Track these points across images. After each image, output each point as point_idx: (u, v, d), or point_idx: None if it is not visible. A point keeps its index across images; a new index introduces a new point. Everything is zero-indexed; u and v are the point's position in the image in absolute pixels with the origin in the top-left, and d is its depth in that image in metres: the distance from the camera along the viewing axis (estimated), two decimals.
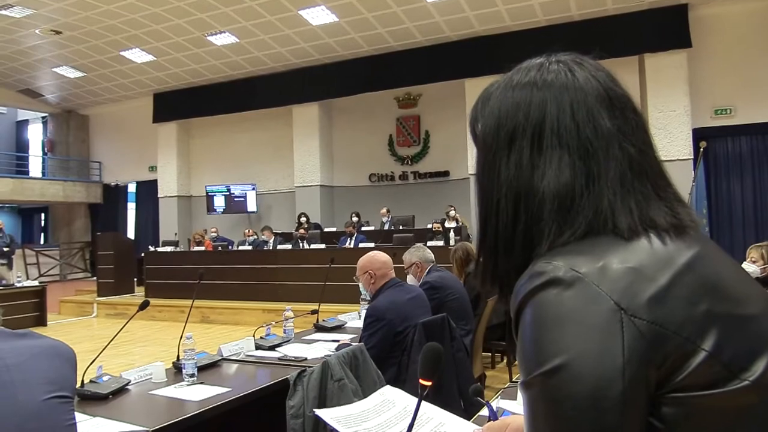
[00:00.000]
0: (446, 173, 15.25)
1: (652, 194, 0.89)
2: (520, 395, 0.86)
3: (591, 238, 0.86)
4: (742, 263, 4.86)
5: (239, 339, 4.25)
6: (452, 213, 12.68)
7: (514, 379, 4.02)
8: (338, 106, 16.54)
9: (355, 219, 13.62)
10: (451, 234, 11.10)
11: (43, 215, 22.69)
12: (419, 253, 5.27)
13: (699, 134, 12.20)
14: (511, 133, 0.93)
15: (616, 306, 0.78)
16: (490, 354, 6.85)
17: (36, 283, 12.81)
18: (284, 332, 4.62)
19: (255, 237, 13.91)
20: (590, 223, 0.86)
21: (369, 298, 4.41)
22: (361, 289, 4.49)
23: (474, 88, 13.42)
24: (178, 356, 3.69)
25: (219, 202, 17.59)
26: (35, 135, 23.39)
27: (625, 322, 0.77)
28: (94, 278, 15.69)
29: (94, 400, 3.03)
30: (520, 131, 0.92)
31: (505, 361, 6.87)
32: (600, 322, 0.77)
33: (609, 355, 0.76)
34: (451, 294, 4.97)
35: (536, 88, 0.93)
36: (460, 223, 12.59)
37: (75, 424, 1.71)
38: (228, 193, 17.50)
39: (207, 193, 17.65)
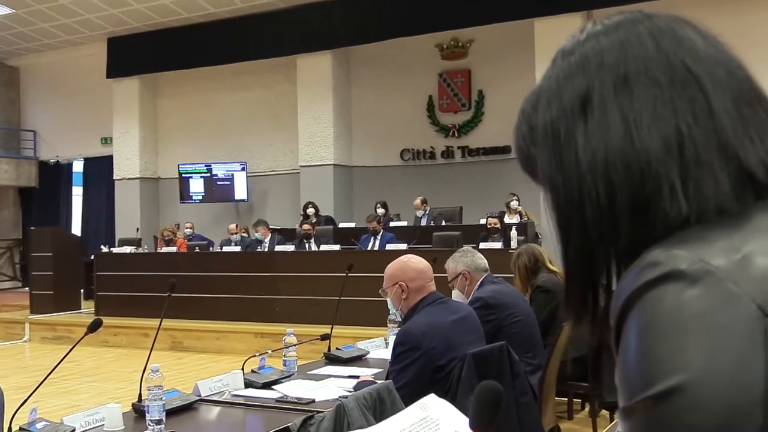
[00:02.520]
0: (506, 149, 15.13)
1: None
2: None
3: (723, 212, 0.86)
4: None
5: (223, 373, 4.28)
6: (514, 204, 12.61)
7: None
8: (359, 57, 16.54)
9: (381, 211, 13.61)
10: (513, 233, 11.05)
11: None
12: (468, 258, 5.25)
13: None
14: (584, 95, 0.95)
15: (759, 311, 0.77)
16: (566, 399, 6.81)
17: None
18: (284, 364, 4.64)
19: (245, 234, 13.98)
20: (732, 175, 0.87)
21: (400, 319, 4.41)
22: (389, 307, 4.49)
23: (546, 31, 13.33)
24: (139, 396, 3.72)
25: (196, 186, 17.71)
26: None
27: None
28: (26, 289, 15.87)
29: None
30: (595, 86, 0.94)
31: (587, 409, 6.83)
32: (736, 331, 0.76)
33: (746, 377, 0.75)
34: (512, 315, 4.96)
35: (603, 35, 0.97)
36: (525, 218, 12.52)
37: None
38: (209, 174, 17.61)
39: (180, 174, 17.78)
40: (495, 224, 11.57)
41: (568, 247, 0.97)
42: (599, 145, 0.92)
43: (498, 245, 10.71)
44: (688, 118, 0.89)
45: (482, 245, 10.47)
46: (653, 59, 0.92)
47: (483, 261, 5.28)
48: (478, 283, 5.17)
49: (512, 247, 10.18)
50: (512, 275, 6.21)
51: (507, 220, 12.20)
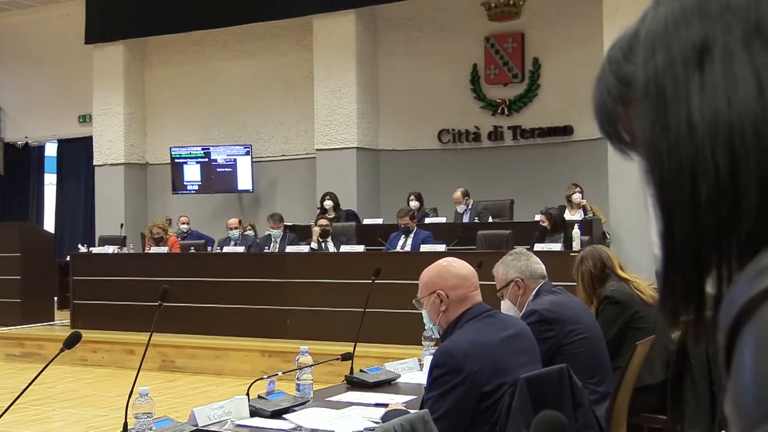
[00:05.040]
0: (567, 130, 15.15)
1: None
2: None
3: None
4: None
5: (223, 398, 4.30)
6: (577, 197, 12.58)
7: None
8: (388, 18, 16.56)
9: (414, 204, 13.60)
10: (575, 232, 11.02)
11: None
12: (521, 263, 5.23)
13: None
14: (701, 44, 0.92)
15: None
16: None
17: None
18: (297, 389, 4.66)
19: (250, 232, 14.00)
20: None
21: (438, 336, 4.40)
22: (424, 321, 4.49)
23: None
24: (125, 425, 3.75)
25: (192, 174, 17.79)
26: None
27: None
28: None
29: None
30: (718, 33, 0.91)
31: None
32: None
33: None
34: (574, 332, 4.93)
35: None
36: (590, 214, 12.47)
37: None
38: (206, 160, 17.68)
39: (173, 159, 17.88)
40: (550, 222, 11.52)
41: (673, 230, 0.94)
42: (722, 106, 0.89)
43: (557, 247, 10.67)
44: None
45: (538, 247, 10.43)
46: None
47: (540, 266, 5.24)
48: (534, 292, 5.14)
49: (574, 249, 10.16)
50: (574, 283, 6.19)
51: (568, 216, 12.17)
